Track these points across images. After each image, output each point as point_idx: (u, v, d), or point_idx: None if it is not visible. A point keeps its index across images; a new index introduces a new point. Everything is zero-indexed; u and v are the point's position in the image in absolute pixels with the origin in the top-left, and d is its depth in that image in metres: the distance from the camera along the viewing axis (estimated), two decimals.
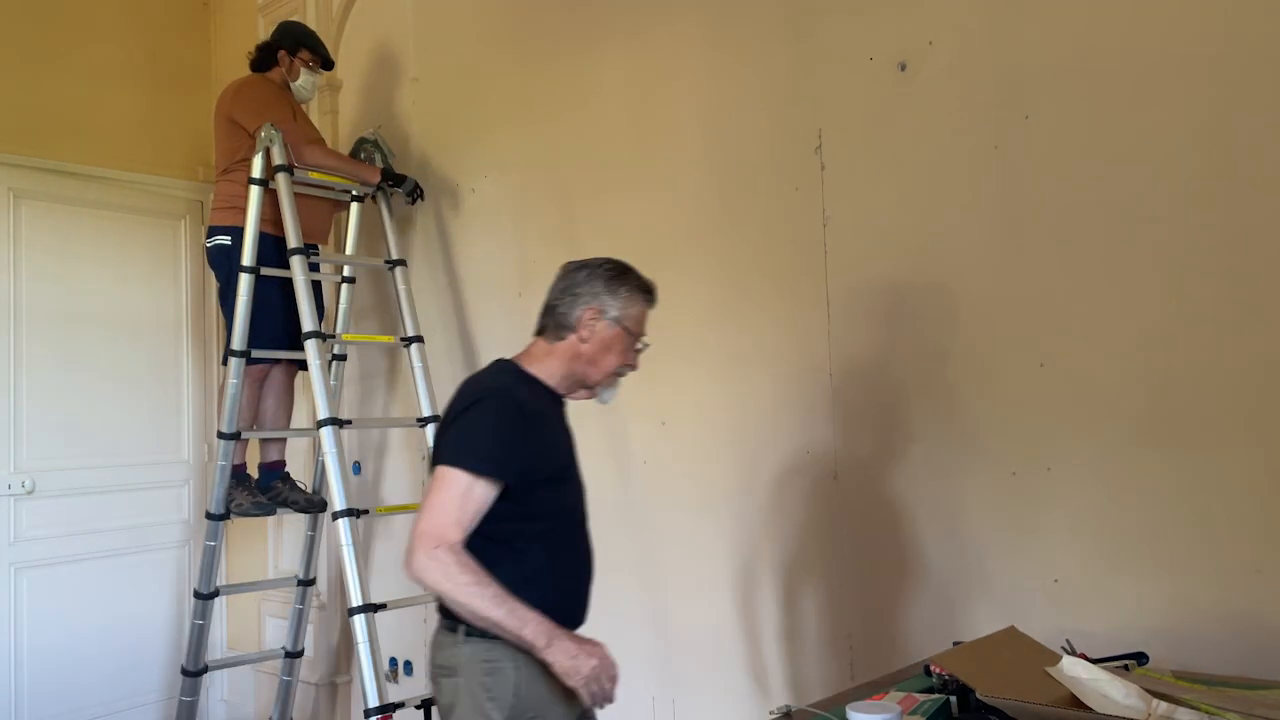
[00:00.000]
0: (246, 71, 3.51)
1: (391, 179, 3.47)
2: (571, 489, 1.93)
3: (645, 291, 1.92)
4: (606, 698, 1.70)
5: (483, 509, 1.73)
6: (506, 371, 1.90)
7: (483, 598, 1.66)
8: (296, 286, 3.08)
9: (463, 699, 1.76)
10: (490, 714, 1.74)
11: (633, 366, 1.94)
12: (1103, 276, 2.08)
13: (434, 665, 1.84)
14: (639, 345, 1.93)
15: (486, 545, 1.73)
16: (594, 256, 1.94)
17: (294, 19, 3.71)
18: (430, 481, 1.75)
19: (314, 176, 3.33)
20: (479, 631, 1.73)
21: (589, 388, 1.93)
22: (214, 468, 3.41)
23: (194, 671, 3.48)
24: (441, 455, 1.75)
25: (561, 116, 3.20)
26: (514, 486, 1.75)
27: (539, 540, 1.81)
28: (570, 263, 1.93)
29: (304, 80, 3.47)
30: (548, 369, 1.89)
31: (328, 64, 3.58)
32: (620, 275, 1.89)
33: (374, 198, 3.49)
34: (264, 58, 3.48)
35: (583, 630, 1.82)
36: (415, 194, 3.49)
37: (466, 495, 1.70)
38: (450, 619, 1.79)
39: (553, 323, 1.89)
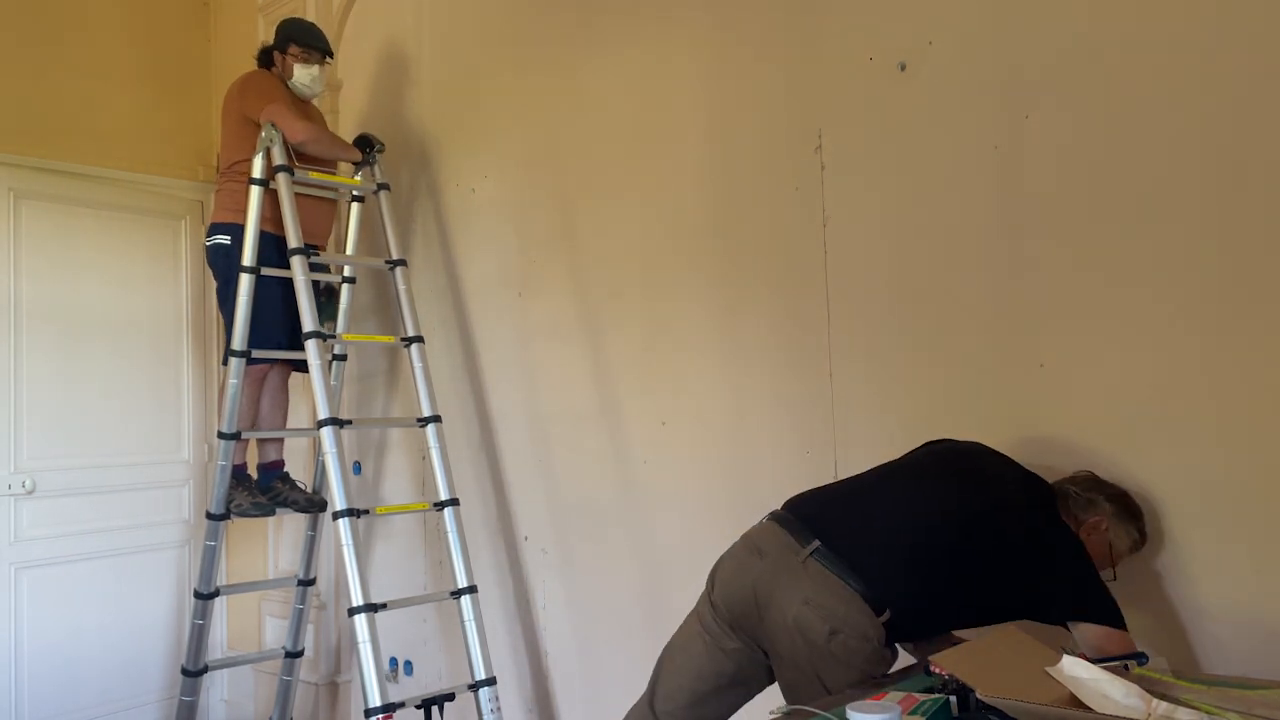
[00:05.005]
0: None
1: (367, 148, 3.47)
2: None
3: (1142, 541, 2.00)
4: None
5: None
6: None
7: None
8: (297, 286, 3.08)
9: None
10: None
11: None
12: (1103, 277, 2.08)
13: None
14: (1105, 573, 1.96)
15: None
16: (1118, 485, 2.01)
17: (294, 16, 3.69)
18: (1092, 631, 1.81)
19: (314, 176, 3.33)
20: None
21: None
22: (214, 468, 3.41)
23: (194, 671, 3.48)
24: (1091, 611, 1.82)
25: (562, 116, 3.20)
26: None
27: None
28: (1099, 477, 2.03)
29: (299, 75, 3.42)
30: None
31: (325, 51, 3.49)
32: (1135, 516, 1.99)
33: (375, 193, 3.48)
34: (264, 60, 3.49)
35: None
36: (372, 152, 3.47)
37: None
38: None
39: (1067, 500, 1.98)
